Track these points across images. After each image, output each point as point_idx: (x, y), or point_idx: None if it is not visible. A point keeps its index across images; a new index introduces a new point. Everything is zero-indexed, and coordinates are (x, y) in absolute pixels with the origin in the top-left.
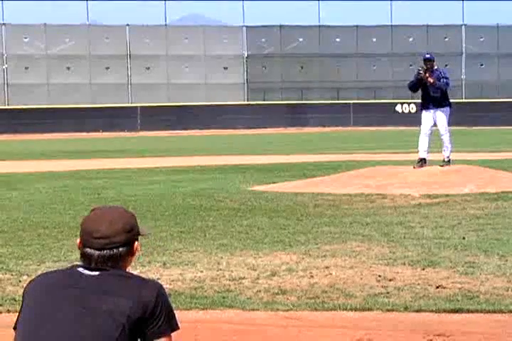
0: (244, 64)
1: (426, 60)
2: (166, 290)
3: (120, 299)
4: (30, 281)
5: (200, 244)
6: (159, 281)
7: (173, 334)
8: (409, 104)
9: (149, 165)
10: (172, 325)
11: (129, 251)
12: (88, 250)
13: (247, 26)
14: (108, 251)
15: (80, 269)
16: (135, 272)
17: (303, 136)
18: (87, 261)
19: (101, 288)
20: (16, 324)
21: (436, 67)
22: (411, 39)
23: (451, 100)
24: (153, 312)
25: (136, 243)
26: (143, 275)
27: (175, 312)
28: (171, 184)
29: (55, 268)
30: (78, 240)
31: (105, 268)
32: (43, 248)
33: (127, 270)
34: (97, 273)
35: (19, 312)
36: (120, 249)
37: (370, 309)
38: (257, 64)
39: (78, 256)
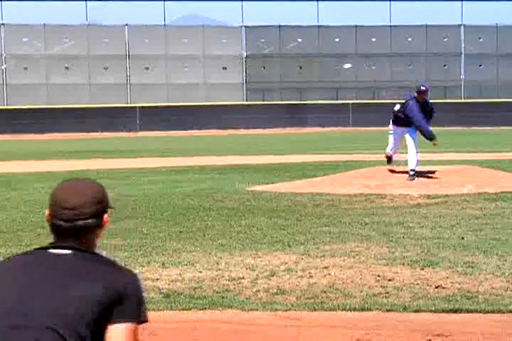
0: (243, 64)
1: (420, 92)
2: (165, 290)
3: (94, 285)
4: None
5: (199, 244)
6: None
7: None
8: None
9: (149, 165)
10: (139, 315)
11: (98, 223)
12: (57, 221)
13: (246, 26)
14: (77, 222)
15: (48, 250)
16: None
17: (302, 136)
18: (55, 232)
19: (73, 270)
20: None
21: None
22: (410, 39)
23: (450, 100)
24: (122, 299)
25: (106, 215)
26: (117, 261)
27: (171, 312)
28: (170, 184)
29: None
30: (47, 212)
31: (78, 248)
32: None
33: (97, 243)
34: (68, 251)
35: None
36: (89, 221)
37: (369, 309)
38: (256, 64)
39: None
